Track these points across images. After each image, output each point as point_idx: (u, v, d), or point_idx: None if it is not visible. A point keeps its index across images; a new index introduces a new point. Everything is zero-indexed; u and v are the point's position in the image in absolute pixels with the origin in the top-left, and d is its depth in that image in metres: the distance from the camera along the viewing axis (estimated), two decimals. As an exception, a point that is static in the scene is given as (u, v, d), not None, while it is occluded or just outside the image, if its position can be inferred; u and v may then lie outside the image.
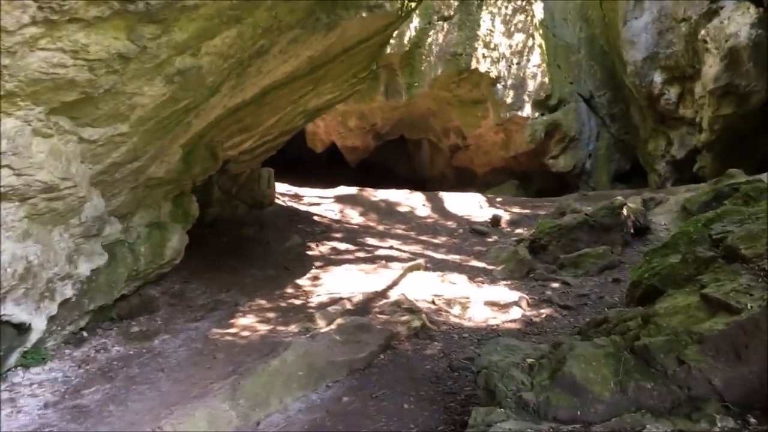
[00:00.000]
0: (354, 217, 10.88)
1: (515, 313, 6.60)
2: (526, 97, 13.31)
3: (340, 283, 7.56)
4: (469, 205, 11.53)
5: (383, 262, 8.40)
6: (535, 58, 13.41)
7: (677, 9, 11.18)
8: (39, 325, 4.82)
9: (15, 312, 4.56)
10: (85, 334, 5.67)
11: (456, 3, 12.47)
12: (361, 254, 8.87)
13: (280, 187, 11.69)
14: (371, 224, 10.56)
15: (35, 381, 4.86)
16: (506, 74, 13.03)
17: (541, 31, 13.60)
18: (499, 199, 12.03)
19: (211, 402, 4.50)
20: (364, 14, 6.02)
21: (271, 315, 6.52)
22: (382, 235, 9.90)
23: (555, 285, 7.51)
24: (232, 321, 6.31)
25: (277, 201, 11.03)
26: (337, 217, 10.78)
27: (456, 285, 7.55)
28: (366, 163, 16.04)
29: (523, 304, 6.83)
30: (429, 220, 10.84)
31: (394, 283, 7.50)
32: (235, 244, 8.71)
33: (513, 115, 13.26)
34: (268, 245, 8.92)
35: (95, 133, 4.49)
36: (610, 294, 6.96)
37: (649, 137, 12.77)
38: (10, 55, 3.47)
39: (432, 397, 4.78)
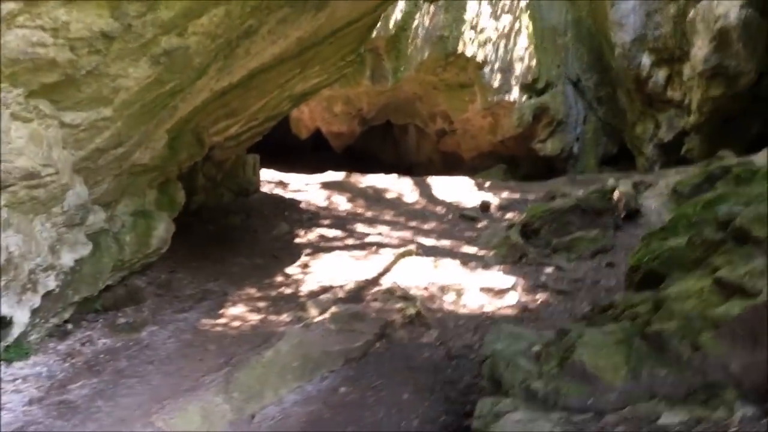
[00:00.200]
0: (341, 203, 10.72)
1: (511, 299, 6.50)
2: (513, 81, 13.17)
3: (331, 270, 7.41)
4: (457, 190, 11.41)
5: (373, 248, 8.26)
6: (523, 40, 13.26)
7: (665, -10, 11.09)
8: (21, 318, 4.61)
9: (-4, 305, 4.36)
10: (69, 326, 5.47)
11: (442, -15, 12.27)
12: (350, 241, 8.72)
13: (265, 174, 11.49)
14: (359, 211, 10.40)
15: (18, 376, 4.65)
16: (493, 57, 12.87)
17: (528, 14, 13.43)
18: (487, 184, 11.91)
19: (203, 395, 4.35)
20: (353, -7, 5.84)
21: (261, 304, 6.36)
22: (370, 222, 9.75)
23: (549, 270, 7.42)
24: (221, 311, 6.14)
25: (262, 188, 10.84)
26: (325, 203, 10.61)
27: (449, 271, 7.42)
28: (351, 149, 15.85)
29: (519, 289, 6.73)
30: (417, 206, 10.70)
31: (386, 270, 7.37)
32: (221, 233, 8.52)
33: (500, 99, 13.11)
34: (256, 233, 8.74)
35: (77, 118, 4.28)
36: (606, 278, 6.87)
37: (637, 120, 12.68)
38: (-14, 33, 3.26)
39: (431, 386, 4.66)
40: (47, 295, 4.86)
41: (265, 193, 10.66)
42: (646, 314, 3.52)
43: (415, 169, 14.83)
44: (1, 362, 4.71)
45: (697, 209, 5.68)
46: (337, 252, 8.16)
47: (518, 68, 13.21)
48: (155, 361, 5.01)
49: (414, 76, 12.60)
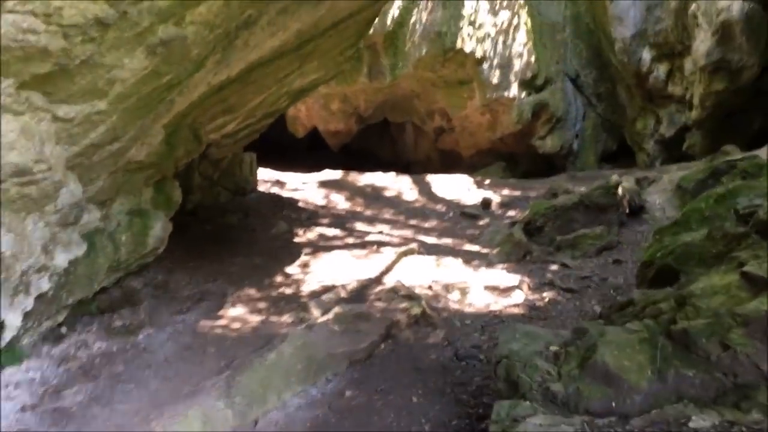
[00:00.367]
0: (340, 202, 10.54)
1: (517, 297, 6.34)
2: (512, 77, 13.00)
3: (332, 270, 7.23)
4: (457, 188, 11.24)
5: (374, 247, 8.08)
6: (521, 36, 13.10)
7: (666, -17, 10.95)
8: (13, 321, 4.42)
9: (-14, 308, 4.17)
10: (63, 330, 5.29)
11: (440, -19, 12.11)
12: (350, 240, 8.54)
13: (262, 173, 11.30)
14: (358, 209, 10.22)
15: (11, 382, 4.48)
16: (492, 54, 12.69)
17: (526, 9, 13.28)
18: (487, 182, 11.74)
19: (204, 400, 4.18)
20: (355, -16, 5.67)
21: (261, 305, 6.19)
22: (370, 220, 9.58)
23: (554, 267, 7.26)
24: (220, 312, 5.97)
25: (259, 187, 10.65)
26: (323, 202, 10.43)
27: (452, 269, 7.26)
28: (348, 148, 15.67)
29: (524, 287, 6.56)
30: (417, 204, 10.53)
31: (388, 269, 7.20)
32: (218, 232, 8.34)
33: (499, 96, 12.94)
34: (254, 233, 8.56)
35: (71, 111, 4.09)
36: (614, 275, 6.71)
37: (637, 116, 12.55)
38: (-26, 20, 3.08)
39: (441, 388, 4.49)
40: (40, 297, 4.68)
41: (263, 192, 10.48)
42: (669, 311, 3.37)
43: (413, 167, 14.67)
44: (-7, 367, 4.53)
45: (710, 203, 5.55)
46: (337, 251, 7.99)
47: (517, 64, 13.04)
48: (153, 364, 4.84)
49: (412, 72, 12.42)
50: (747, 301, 3.14)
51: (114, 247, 5.56)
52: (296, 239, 8.52)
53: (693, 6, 10.28)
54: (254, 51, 5.44)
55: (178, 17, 4.02)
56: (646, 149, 12.31)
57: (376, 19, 9.11)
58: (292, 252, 7.94)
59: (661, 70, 11.53)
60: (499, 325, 5.61)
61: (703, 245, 3.95)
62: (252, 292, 6.54)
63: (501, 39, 12.82)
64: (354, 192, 10.92)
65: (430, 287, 6.62)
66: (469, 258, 7.72)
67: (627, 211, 8.50)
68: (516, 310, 6.00)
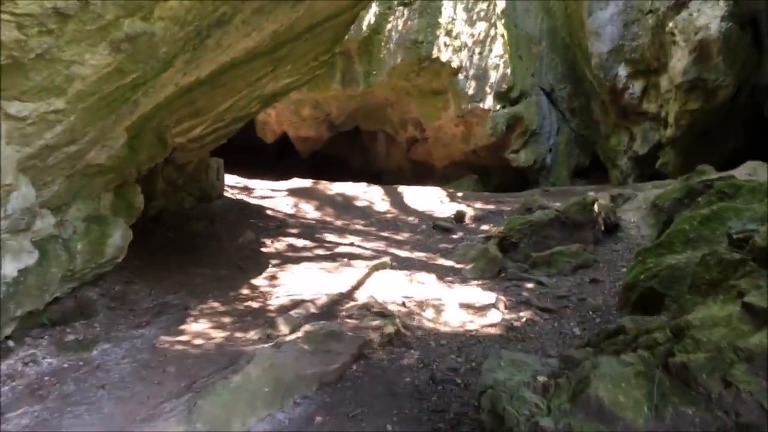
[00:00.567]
0: (309, 211, 10.25)
1: (493, 316, 6.12)
2: (488, 89, 12.87)
3: (301, 283, 6.94)
4: (429, 200, 11.05)
5: (345, 260, 7.82)
6: (498, 48, 12.98)
7: (644, 1, 10.90)
8: (-47, 336, 4.05)
9: None
10: (11, 343, 4.89)
11: (417, -11, 11.93)
12: (320, 251, 8.26)
13: (229, 179, 10.96)
14: (328, 219, 9.95)
15: (-51, 402, 4.09)
16: (468, 64, 12.55)
17: (503, 21, 13.17)
18: (459, 194, 11.57)
19: (162, 426, 3.86)
20: (335, -15, 5.42)
21: (226, 320, 5.86)
22: (341, 231, 9.30)
23: (529, 285, 7.08)
24: (182, 327, 5.62)
25: (226, 194, 10.30)
26: (292, 211, 10.13)
27: (425, 285, 7.02)
28: (318, 155, 15.38)
29: (501, 306, 6.35)
30: (389, 215, 10.30)
31: (359, 284, 6.94)
32: (182, 240, 7.97)
33: (474, 107, 12.79)
34: (219, 241, 8.22)
35: (24, 109, 3.75)
36: (592, 295, 6.55)
37: (611, 132, 12.51)
38: None
39: (417, 416, 4.23)
40: (-15, 309, 4.31)
41: (229, 199, 10.14)
42: (666, 343, 3.16)
43: (384, 177, 14.45)
44: (-71, 386, 4.14)
45: (694, 225, 5.42)
46: (306, 263, 7.69)
47: (493, 76, 12.92)
48: (107, 384, 4.48)
49: (386, 81, 12.21)
50: (749, 335, 2.94)
51: (69, 256, 5.19)
52: (264, 249, 8.21)
53: (670, 24, 10.27)
54: (227, 52, 5.15)
55: (146, 11, 3.72)
56: (619, 166, 12.27)
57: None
58: (260, 263, 7.63)
59: (637, 86, 11.51)
60: (476, 346, 5.39)
61: (696, 271, 3.75)
62: (216, 305, 6.21)
63: (477, 50, 12.68)
64: (324, 201, 10.65)
65: (403, 304, 6.37)
66: (442, 273, 7.50)
67: (602, 228, 8.39)
68: (493, 331, 5.78)
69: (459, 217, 9.87)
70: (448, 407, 4.34)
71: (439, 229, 9.53)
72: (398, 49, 11.91)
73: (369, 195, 11.14)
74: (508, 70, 13.06)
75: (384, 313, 5.85)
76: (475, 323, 5.98)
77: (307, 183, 11.43)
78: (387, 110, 13.66)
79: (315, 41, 6.71)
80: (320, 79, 11.53)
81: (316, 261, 7.79)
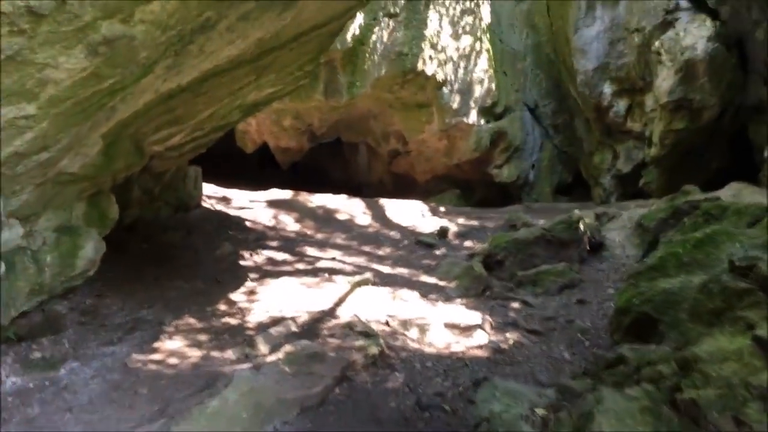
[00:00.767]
0: (289, 223, 10.00)
1: (480, 337, 5.93)
2: (472, 103, 12.75)
3: (281, 298, 6.69)
4: (411, 214, 10.86)
5: (326, 275, 7.59)
6: (483, 62, 12.90)
7: (630, 19, 10.88)
8: None
9: None
10: (-28, 361, 4.62)
11: (403, 0, 11.78)
12: (300, 266, 8.02)
13: (206, 188, 10.67)
14: (308, 232, 9.71)
15: None
16: (453, 78, 12.43)
17: (488, 36, 13.09)
18: (442, 209, 11.41)
19: (133, 455, 3.61)
20: (324, -7, 5.24)
21: (202, 337, 5.60)
22: (321, 245, 9.07)
23: (515, 305, 6.91)
24: (156, 344, 5.36)
25: (203, 203, 10.03)
26: (272, 223, 9.87)
27: (409, 303, 6.82)
28: (298, 166, 15.15)
29: (487, 327, 6.17)
30: (371, 229, 10.09)
31: (341, 300, 6.71)
32: (157, 252, 7.69)
33: (458, 121, 12.66)
34: (196, 253, 7.94)
35: (-8, 114, 3.52)
36: (579, 317, 6.39)
37: (595, 150, 12.46)
38: None
39: (403, 445, 4.03)
40: (-56, 325, 4.03)
41: (207, 209, 9.86)
42: (672, 376, 3.00)
43: (365, 189, 14.25)
44: None
45: (688, 248, 5.29)
46: (286, 277, 7.45)
47: (477, 90, 12.81)
48: (75, 407, 4.22)
49: (370, 92, 12.03)
50: (761, 371, 2.80)
51: (37, 269, 4.93)
52: (242, 262, 7.95)
53: (657, 43, 10.24)
54: (209, 59, 4.94)
55: (127, 13, 3.51)
56: (602, 184, 12.20)
57: (337, 35, 8.70)
58: (238, 276, 7.38)
59: (621, 105, 11.47)
60: (463, 369, 5.21)
61: (697, 298, 3.61)
62: (192, 321, 5.95)
63: (462, 64, 12.58)
64: (304, 213, 10.41)
65: (386, 323, 6.16)
66: (426, 291, 7.30)
67: (587, 247, 8.28)
68: (480, 353, 5.59)
69: (442, 232, 9.69)
70: (436, 436, 4.15)
71: (421, 244, 9.34)
72: (383, 60, 11.76)
73: (350, 208, 10.92)
74: (493, 85, 12.98)
75: (367, 333, 5.65)
76: (460, 344, 5.80)
77: (287, 194, 11.19)
78: (370, 122, 13.49)
79: (300, 50, 6.52)
80: (303, 90, 11.31)
81: (296, 275, 7.56)
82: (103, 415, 4.14)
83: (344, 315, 6.23)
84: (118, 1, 3.34)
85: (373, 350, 5.29)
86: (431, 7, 12.11)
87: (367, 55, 11.63)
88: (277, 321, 5.95)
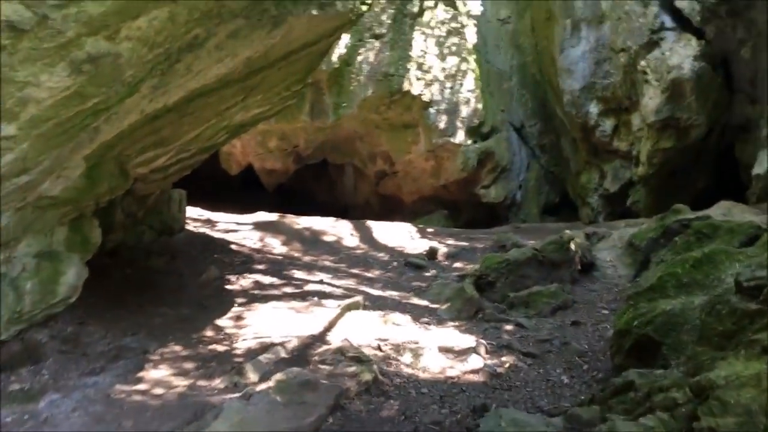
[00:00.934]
0: (276, 246, 9.84)
1: (475, 361, 5.78)
2: (459, 123, 12.71)
3: (269, 324, 6.52)
4: (399, 236, 10.73)
5: (315, 298, 7.43)
6: (469, 83, 12.87)
7: (615, 39, 10.92)
8: None
9: None
10: (-54, 394, 4.40)
11: (388, 21, 11.76)
12: (288, 289, 7.85)
13: (191, 211, 10.50)
14: (296, 255, 9.55)
15: None
16: (439, 98, 12.40)
17: (474, 56, 13.10)
18: (430, 230, 11.29)
19: (117, 494, 3.41)
20: (314, 11, 5.15)
21: (189, 365, 5.42)
22: (309, 268, 8.90)
23: (509, 327, 6.77)
24: (140, 374, 5.18)
25: (188, 227, 9.83)
26: (258, 246, 9.70)
27: (401, 327, 6.66)
28: (283, 188, 15.00)
29: (482, 350, 6.02)
30: (359, 251, 9.94)
31: (331, 325, 6.55)
32: (141, 277, 7.49)
33: (445, 142, 12.61)
34: (181, 278, 7.76)
35: (-31, 135, 3.35)
36: (575, 339, 6.26)
37: (582, 170, 12.45)
38: None
39: (402, 478, 3.86)
40: None
41: (192, 233, 9.67)
42: (687, 403, 2.88)
43: (352, 211, 14.12)
44: None
45: (686, 268, 5.19)
46: (274, 302, 7.28)
47: (464, 111, 12.78)
48: (55, 443, 4.02)
49: (356, 113, 11.96)
50: (781, 397, 2.68)
51: (16, 296, 4.73)
52: (228, 287, 7.77)
53: (642, 62, 10.28)
54: (197, 78, 4.81)
55: (112, 30, 3.37)
56: (589, 203, 12.18)
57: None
58: (224, 301, 7.20)
59: (608, 124, 11.48)
60: (459, 395, 5.05)
61: (705, 320, 3.50)
62: (178, 348, 5.76)
63: (449, 84, 12.56)
64: (291, 236, 10.24)
65: (379, 347, 6.00)
66: (417, 314, 7.15)
67: (579, 268, 8.20)
68: (476, 378, 5.44)
69: (431, 253, 9.57)
70: (435, 468, 3.98)
71: (411, 266, 9.21)
72: (369, 81, 11.71)
73: (337, 230, 10.78)
74: (479, 105, 12.95)
75: (360, 358, 5.47)
76: (456, 369, 5.64)
77: (273, 217, 11.03)
78: (356, 143, 13.40)
79: (289, 70, 6.42)
80: (289, 110, 11.21)
81: (284, 300, 7.39)
82: (85, 450, 3.94)
83: (335, 340, 6.06)
84: (103, 17, 3.21)
85: (367, 376, 5.12)
86: (417, 27, 12.11)
87: (353, 75, 11.59)
88: (266, 347, 5.77)
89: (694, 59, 9.50)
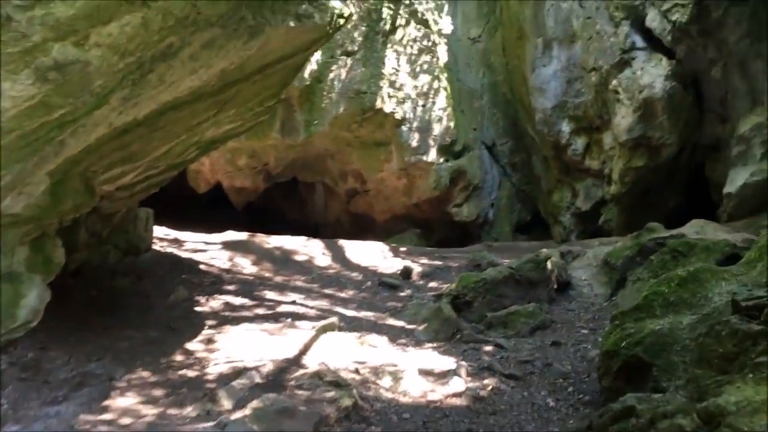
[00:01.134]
0: (246, 266, 9.57)
1: (456, 384, 5.60)
2: (431, 141, 12.62)
3: (241, 347, 6.29)
4: (372, 255, 10.54)
5: (289, 320, 7.22)
6: (441, 101, 12.82)
7: (587, 58, 10.98)
8: None
9: None
10: None
11: (360, 38, 11.66)
12: (260, 311, 7.61)
13: (157, 231, 10.18)
14: (267, 275, 9.30)
15: None
16: (412, 116, 12.31)
17: (446, 74, 13.06)
18: (403, 249, 11.13)
19: None
20: (291, 23, 4.99)
21: (158, 392, 5.16)
22: (281, 288, 8.66)
23: (488, 348, 6.62)
24: (106, 402, 4.92)
25: (155, 246, 9.52)
26: (227, 266, 9.43)
27: (378, 349, 6.48)
28: (252, 206, 14.71)
29: (462, 372, 5.84)
30: (331, 271, 9.73)
31: (307, 348, 6.34)
32: (106, 298, 7.20)
33: (417, 160, 12.50)
34: (148, 299, 7.48)
35: (-77, 147, 3.10)
36: (557, 360, 6.13)
37: (554, 188, 12.45)
38: None
39: None
40: None
41: (159, 252, 9.36)
42: (696, 431, 2.74)
43: (322, 230, 13.90)
44: None
45: (672, 287, 5.11)
46: (246, 324, 7.04)
47: (436, 129, 12.70)
48: (14, 480, 3.73)
49: (327, 131, 11.80)
50: (794, 422, 2.56)
51: (-27, 321, 4.42)
52: (198, 308, 7.50)
53: (614, 81, 10.33)
54: (169, 90, 4.60)
55: (81, 36, 3.17)
56: (561, 222, 12.17)
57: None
58: (194, 324, 6.94)
59: (579, 143, 11.51)
60: (443, 420, 4.89)
61: (704, 342, 3.39)
62: (146, 374, 5.50)
63: (421, 102, 12.48)
64: (261, 255, 9.99)
65: (356, 371, 5.79)
66: (394, 335, 6.98)
67: (555, 286, 8.11)
68: (458, 402, 5.27)
69: (406, 273, 9.40)
70: (423, 499, 3.79)
71: (385, 285, 9.02)
72: (341, 98, 11.57)
73: (309, 249, 10.55)
74: (452, 124, 12.89)
75: (338, 383, 5.27)
76: (437, 393, 5.46)
77: (242, 236, 10.76)
78: (327, 161, 13.21)
79: (263, 83, 6.23)
80: (259, 128, 10.99)
81: (256, 321, 7.15)
82: (47, 487, 3.66)
83: (311, 363, 5.85)
84: (72, 21, 3.00)
85: (346, 402, 4.92)
86: (389, 45, 12.03)
87: (325, 92, 11.44)
88: (239, 372, 5.54)
89: (665, 79, 9.57)
